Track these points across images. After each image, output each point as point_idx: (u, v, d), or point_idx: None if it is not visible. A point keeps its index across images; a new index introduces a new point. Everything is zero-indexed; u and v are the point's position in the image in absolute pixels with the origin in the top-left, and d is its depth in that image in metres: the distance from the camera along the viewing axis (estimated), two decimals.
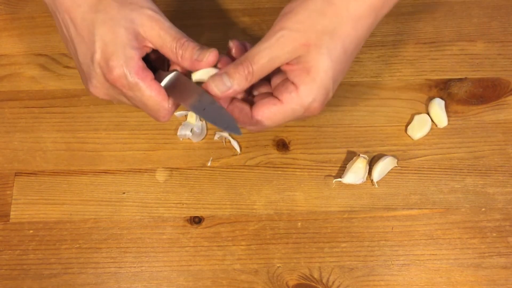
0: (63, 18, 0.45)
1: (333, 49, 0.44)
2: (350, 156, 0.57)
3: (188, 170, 0.56)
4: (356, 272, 0.52)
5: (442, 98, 0.59)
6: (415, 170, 0.56)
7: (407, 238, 0.54)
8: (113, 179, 0.56)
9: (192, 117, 0.58)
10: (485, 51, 0.61)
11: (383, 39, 0.62)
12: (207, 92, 0.45)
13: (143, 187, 0.56)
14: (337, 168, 0.56)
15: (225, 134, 0.57)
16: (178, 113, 0.59)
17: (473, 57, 0.61)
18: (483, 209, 0.55)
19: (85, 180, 0.56)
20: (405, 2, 0.64)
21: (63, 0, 0.45)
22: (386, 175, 0.56)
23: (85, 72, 0.46)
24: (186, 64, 0.45)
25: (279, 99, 0.45)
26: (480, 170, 0.56)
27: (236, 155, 0.57)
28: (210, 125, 0.58)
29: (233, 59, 0.46)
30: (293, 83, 0.44)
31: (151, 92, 0.45)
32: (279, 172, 0.56)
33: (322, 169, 0.56)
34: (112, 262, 0.53)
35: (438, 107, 0.58)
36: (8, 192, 0.56)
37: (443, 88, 0.60)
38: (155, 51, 0.47)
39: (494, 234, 0.54)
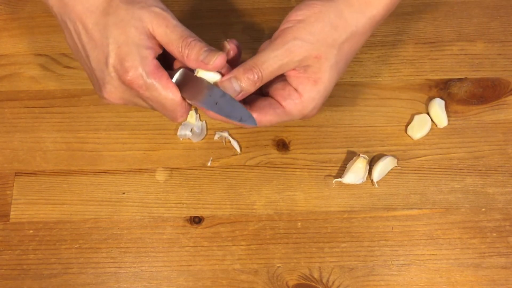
0: (74, 25, 0.45)
1: (339, 62, 0.46)
2: (350, 156, 0.57)
3: (188, 170, 0.56)
4: (356, 272, 0.52)
5: (442, 98, 0.59)
6: (415, 170, 0.56)
7: (407, 238, 0.54)
8: (113, 179, 0.56)
9: (192, 117, 0.58)
10: (485, 51, 0.61)
11: (383, 39, 0.62)
12: (215, 86, 0.45)
13: (143, 187, 0.56)
14: (337, 168, 0.56)
15: (225, 134, 0.57)
16: None
17: (473, 57, 0.61)
18: (483, 209, 0.55)
19: (85, 180, 0.56)
20: (405, 2, 0.64)
21: (74, 7, 0.45)
22: (386, 175, 0.56)
23: (98, 78, 0.46)
24: (192, 64, 0.45)
25: (281, 105, 0.46)
26: (480, 170, 0.56)
27: (236, 155, 0.57)
28: (210, 125, 0.58)
29: (228, 61, 0.47)
30: (296, 90, 0.46)
31: (167, 91, 0.45)
32: (279, 172, 0.56)
33: (322, 169, 0.56)
34: (112, 262, 0.53)
35: (438, 107, 0.58)
36: (8, 192, 0.56)
37: (443, 88, 0.60)
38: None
39: (494, 234, 0.54)
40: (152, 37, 0.45)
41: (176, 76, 0.46)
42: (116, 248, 0.54)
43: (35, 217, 0.55)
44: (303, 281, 0.52)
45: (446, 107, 0.58)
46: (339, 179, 0.55)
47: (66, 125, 0.58)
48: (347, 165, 0.56)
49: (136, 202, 0.55)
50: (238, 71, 0.45)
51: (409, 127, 0.58)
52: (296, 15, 0.46)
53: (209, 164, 0.57)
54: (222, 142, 0.58)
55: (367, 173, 0.55)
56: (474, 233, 0.54)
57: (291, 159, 0.57)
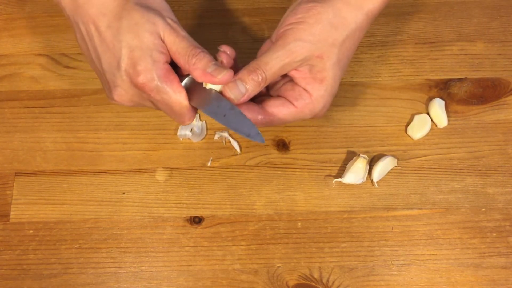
0: (87, 27, 0.46)
1: (342, 59, 0.47)
2: (350, 156, 0.57)
3: (188, 170, 0.56)
4: (356, 272, 0.52)
5: (442, 98, 0.59)
6: (415, 170, 0.56)
7: (407, 238, 0.54)
8: (113, 179, 0.56)
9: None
10: (485, 51, 0.61)
11: (383, 39, 0.62)
12: (223, 98, 0.46)
13: (143, 187, 0.56)
14: (337, 168, 0.56)
15: (225, 134, 0.57)
16: None
17: (473, 57, 0.61)
18: (483, 209, 0.55)
19: (85, 180, 0.56)
20: (405, 2, 0.64)
21: (87, 9, 0.45)
22: (386, 175, 0.56)
23: (108, 81, 0.47)
24: (197, 73, 0.45)
25: (293, 105, 0.47)
26: (480, 170, 0.56)
27: (236, 155, 0.57)
28: (210, 125, 0.58)
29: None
30: (305, 90, 0.47)
31: (176, 96, 0.45)
32: (279, 172, 0.56)
33: (322, 169, 0.56)
34: (112, 262, 0.53)
35: (438, 107, 0.58)
36: (8, 192, 0.56)
37: (443, 88, 0.60)
38: None
39: (494, 234, 0.54)
40: (163, 43, 0.45)
41: (185, 81, 0.47)
42: (116, 248, 0.54)
43: (35, 217, 0.55)
44: (303, 281, 0.52)
45: (446, 107, 0.58)
46: (339, 179, 0.55)
47: (66, 125, 0.58)
48: (347, 165, 0.56)
49: (136, 202, 0.55)
50: (242, 73, 0.46)
51: (409, 127, 0.58)
52: (295, 18, 0.46)
53: (209, 164, 0.57)
54: (222, 142, 0.58)
55: (367, 173, 0.55)
56: (474, 233, 0.54)
57: (291, 159, 0.57)
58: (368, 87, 0.60)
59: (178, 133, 0.57)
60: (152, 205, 0.55)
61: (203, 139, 0.58)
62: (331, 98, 0.48)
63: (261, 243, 0.54)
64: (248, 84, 0.46)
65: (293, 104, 0.47)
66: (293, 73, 0.47)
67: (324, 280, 0.52)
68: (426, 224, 0.54)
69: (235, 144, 0.57)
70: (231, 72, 0.46)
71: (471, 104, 0.59)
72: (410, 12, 0.64)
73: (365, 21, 0.47)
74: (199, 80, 0.46)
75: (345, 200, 0.55)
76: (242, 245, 0.54)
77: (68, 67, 0.61)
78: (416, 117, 0.58)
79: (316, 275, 0.52)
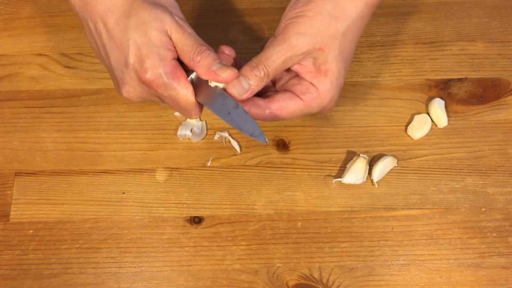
0: (95, 25, 0.46)
1: (344, 50, 0.47)
2: (350, 156, 0.57)
3: (188, 170, 0.56)
4: (356, 272, 0.52)
5: (442, 98, 0.59)
6: (415, 170, 0.56)
7: (407, 238, 0.54)
8: (113, 179, 0.56)
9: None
10: (485, 51, 0.61)
11: (383, 39, 0.62)
12: (229, 96, 0.47)
13: (143, 187, 0.56)
14: (337, 168, 0.56)
15: (225, 134, 0.57)
16: (178, 113, 0.59)
17: (473, 57, 0.61)
18: (483, 209, 0.55)
19: (85, 180, 0.56)
20: (405, 2, 0.64)
21: (95, 7, 0.46)
22: (386, 175, 0.56)
23: (117, 77, 0.47)
24: (201, 71, 0.46)
25: (301, 99, 0.47)
26: (480, 170, 0.56)
27: (236, 155, 0.57)
28: (210, 125, 0.58)
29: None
30: (312, 84, 0.47)
31: (183, 92, 0.46)
32: (279, 172, 0.56)
33: (322, 169, 0.56)
34: (112, 262, 0.53)
35: (438, 107, 0.58)
36: (8, 192, 0.56)
37: (443, 88, 0.60)
38: None
39: (494, 234, 0.54)
40: (171, 40, 0.46)
41: (192, 76, 0.47)
42: (116, 248, 0.54)
43: (35, 217, 0.55)
44: (303, 281, 0.52)
45: (446, 107, 0.58)
46: (339, 179, 0.55)
47: (66, 125, 0.58)
48: (347, 165, 0.56)
49: (136, 202, 0.55)
50: (245, 69, 0.46)
51: (409, 127, 0.58)
52: (294, 13, 0.46)
53: (209, 164, 0.57)
54: (222, 142, 0.58)
55: (367, 173, 0.55)
56: (474, 233, 0.54)
57: (291, 159, 0.57)
58: (368, 87, 0.60)
59: (178, 133, 0.57)
60: (152, 205, 0.55)
61: (203, 139, 0.58)
62: (338, 91, 0.48)
63: (261, 243, 0.54)
64: (251, 80, 0.46)
65: (301, 99, 0.47)
66: (297, 68, 0.47)
67: (324, 280, 0.52)
68: (426, 224, 0.54)
69: (235, 144, 0.57)
70: (235, 71, 0.46)
71: (471, 104, 0.59)
72: (410, 12, 0.64)
73: (365, 10, 0.47)
74: (204, 77, 0.46)
75: (345, 200, 0.55)
76: (242, 245, 0.53)
77: (68, 67, 0.61)
78: (416, 117, 0.58)
79: (316, 275, 0.52)
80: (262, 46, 0.61)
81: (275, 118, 0.48)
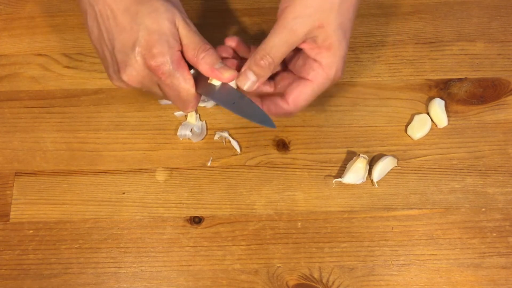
0: (101, 9, 0.47)
1: (343, 22, 0.48)
2: (350, 156, 0.57)
3: (188, 170, 0.56)
4: (356, 272, 0.52)
5: (442, 98, 0.59)
6: (415, 170, 0.56)
7: (407, 238, 0.54)
8: (113, 179, 0.56)
9: (192, 117, 0.58)
10: (485, 51, 0.61)
11: (383, 39, 0.62)
12: (233, 87, 0.49)
13: (143, 187, 0.56)
14: (337, 168, 0.56)
15: (225, 134, 0.57)
16: (177, 113, 0.59)
17: (473, 57, 0.61)
18: (483, 209, 0.55)
19: (85, 180, 0.56)
20: (405, 2, 0.64)
21: None
22: (386, 175, 0.56)
23: (119, 60, 0.48)
24: (204, 68, 0.47)
25: (307, 79, 0.49)
26: (480, 170, 0.56)
27: (236, 155, 0.57)
28: (210, 125, 0.58)
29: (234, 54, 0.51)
30: (315, 60, 0.48)
31: (186, 82, 0.47)
32: (279, 172, 0.56)
33: (322, 169, 0.56)
34: (112, 262, 0.53)
35: (438, 107, 0.58)
36: (8, 192, 0.56)
37: (443, 88, 0.60)
38: None
39: (494, 234, 0.54)
40: (178, 32, 0.47)
41: (193, 71, 0.48)
42: (116, 248, 0.54)
43: (35, 217, 0.55)
44: (303, 281, 0.52)
45: (446, 107, 0.58)
46: (339, 179, 0.55)
47: (66, 125, 0.58)
48: (347, 165, 0.56)
49: (136, 202, 0.55)
50: (250, 62, 0.48)
51: (409, 127, 0.58)
52: None
53: (209, 164, 0.57)
54: (222, 142, 0.58)
55: (367, 173, 0.55)
56: (474, 233, 0.54)
57: (291, 159, 0.57)
58: (368, 87, 0.60)
59: (178, 133, 0.57)
60: (152, 205, 0.55)
61: (203, 139, 0.58)
62: (342, 61, 0.49)
63: (261, 243, 0.54)
64: (258, 70, 0.48)
65: (308, 79, 0.49)
66: (302, 45, 0.48)
67: (324, 280, 0.52)
68: (426, 224, 0.54)
69: (235, 144, 0.57)
70: (235, 73, 0.48)
71: (471, 104, 0.59)
72: (410, 12, 0.64)
73: None
74: (206, 74, 0.48)
75: (345, 200, 0.55)
76: (242, 245, 0.54)
77: (68, 67, 0.61)
78: (416, 117, 0.58)
79: (316, 275, 0.52)
80: None
81: (296, 110, 0.50)
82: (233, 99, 0.48)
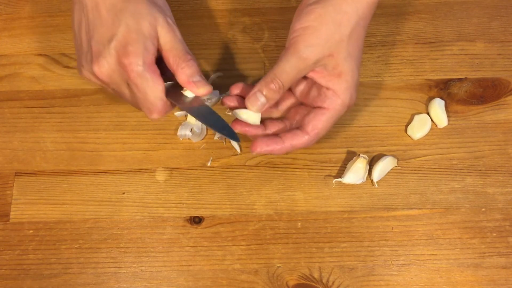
0: (88, 3, 0.48)
1: (352, 50, 0.49)
2: (350, 156, 0.57)
3: (188, 170, 0.56)
4: (356, 272, 0.52)
5: (442, 98, 0.59)
6: (415, 170, 0.56)
7: (407, 238, 0.54)
8: (113, 179, 0.56)
9: (192, 117, 0.58)
10: (485, 51, 0.61)
11: (383, 39, 0.62)
12: (204, 103, 0.50)
13: (143, 187, 0.56)
14: (337, 168, 0.56)
15: None
16: (178, 113, 0.59)
17: (473, 57, 0.61)
18: (483, 209, 0.55)
19: (85, 180, 0.56)
20: (405, 2, 0.64)
21: None
22: (386, 175, 0.56)
23: (93, 50, 0.48)
24: (182, 78, 0.48)
25: (324, 108, 0.50)
26: (480, 170, 0.56)
27: (236, 155, 0.57)
28: None
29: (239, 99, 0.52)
30: (328, 88, 0.50)
31: (155, 85, 0.47)
32: (279, 172, 0.56)
33: (322, 169, 0.56)
34: (112, 262, 0.53)
35: (438, 107, 0.58)
36: (8, 192, 0.56)
37: (443, 88, 0.60)
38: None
39: (494, 234, 0.54)
40: (157, 38, 0.48)
41: (167, 84, 0.49)
42: (116, 248, 0.54)
43: (35, 217, 0.55)
44: (303, 281, 0.52)
45: (446, 107, 0.58)
46: (339, 179, 0.55)
47: (66, 125, 0.58)
48: (347, 165, 0.56)
49: (136, 202, 0.55)
50: (261, 85, 0.49)
51: (409, 127, 0.58)
52: (300, 24, 0.49)
53: (209, 164, 0.57)
54: (222, 142, 0.58)
55: (367, 173, 0.55)
56: (474, 233, 0.54)
57: (291, 159, 0.57)
58: (368, 87, 0.60)
59: (178, 133, 0.57)
60: (152, 205, 0.55)
61: (203, 139, 0.58)
62: (355, 87, 0.50)
63: (261, 243, 0.54)
64: (267, 93, 0.49)
65: (325, 108, 0.50)
66: (312, 75, 0.50)
67: (324, 280, 0.52)
68: (426, 224, 0.54)
69: (235, 144, 0.57)
70: (210, 89, 0.49)
71: (471, 104, 0.59)
72: (410, 12, 0.64)
73: (367, 10, 0.49)
74: (182, 84, 0.49)
75: (345, 200, 0.55)
76: (242, 245, 0.54)
77: (68, 67, 0.61)
78: (416, 117, 0.58)
79: (316, 275, 0.52)
80: (262, 46, 0.61)
81: (316, 138, 0.51)
82: (203, 113, 0.49)
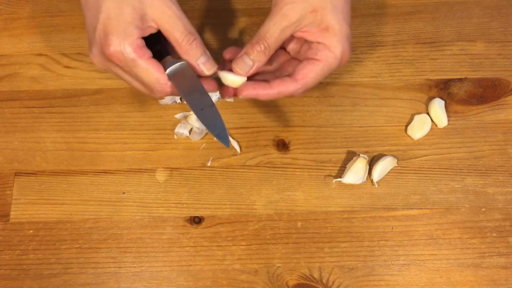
0: None
1: (337, 3, 0.48)
2: (350, 156, 0.57)
3: (188, 170, 0.56)
4: (356, 272, 0.52)
5: (442, 98, 0.59)
6: (415, 170, 0.56)
7: (407, 238, 0.54)
8: (113, 179, 0.56)
9: (192, 118, 0.58)
10: (485, 51, 0.61)
11: (383, 39, 0.62)
12: (208, 93, 0.48)
13: (143, 187, 0.56)
14: (337, 168, 0.56)
15: None
16: (178, 115, 0.59)
17: (473, 57, 0.61)
18: (483, 209, 0.55)
19: (85, 180, 0.56)
20: (405, 2, 0.64)
21: None
22: (386, 175, 0.56)
23: (88, 39, 0.48)
24: (188, 59, 0.47)
25: (317, 59, 0.49)
26: (480, 170, 0.56)
27: (236, 155, 0.57)
28: None
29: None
30: (318, 42, 0.49)
31: (148, 66, 0.46)
32: (279, 172, 0.56)
33: (322, 169, 0.56)
34: (112, 262, 0.53)
35: (438, 107, 0.58)
36: (8, 192, 0.56)
37: (443, 88, 0.60)
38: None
39: (494, 234, 0.54)
40: (146, 19, 0.46)
41: (174, 66, 0.47)
42: (116, 248, 0.54)
43: (35, 217, 0.55)
44: (303, 281, 0.52)
45: (446, 107, 0.58)
46: (339, 179, 0.55)
47: (66, 125, 0.58)
48: (347, 165, 0.56)
49: (136, 202, 0.55)
50: (246, 48, 0.48)
51: (409, 127, 0.58)
52: None
53: (209, 164, 0.57)
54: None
55: (367, 173, 0.55)
56: (474, 233, 0.54)
57: (291, 159, 0.57)
58: (368, 87, 0.60)
59: (176, 130, 0.57)
60: (152, 205, 0.55)
61: (202, 138, 0.58)
62: (347, 41, 0.49)
63: (261, 243, 0.54)
64: (253, 56, 0.48)
65: (316, 59, 0.49)
66: (301, 34, 0.49)
67: (324, 280, 0.52)
68: (426, 224, 0.54)
69: (235, 144, 0.57)
70: (216, 66, 0.48)
71: (471, 104, 0.59)
72: (410, 12, 0.64)
73: None
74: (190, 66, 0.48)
75: (345, 200, 0.55)
76: (242, 245, 0.54)
77: (68, 67, 0.61)
78: (416, 117, 0.58)
79: (316, 275, 0.52)
80: None
81: (304, 87, 0.49)
82: (202, 106, 0.48)
